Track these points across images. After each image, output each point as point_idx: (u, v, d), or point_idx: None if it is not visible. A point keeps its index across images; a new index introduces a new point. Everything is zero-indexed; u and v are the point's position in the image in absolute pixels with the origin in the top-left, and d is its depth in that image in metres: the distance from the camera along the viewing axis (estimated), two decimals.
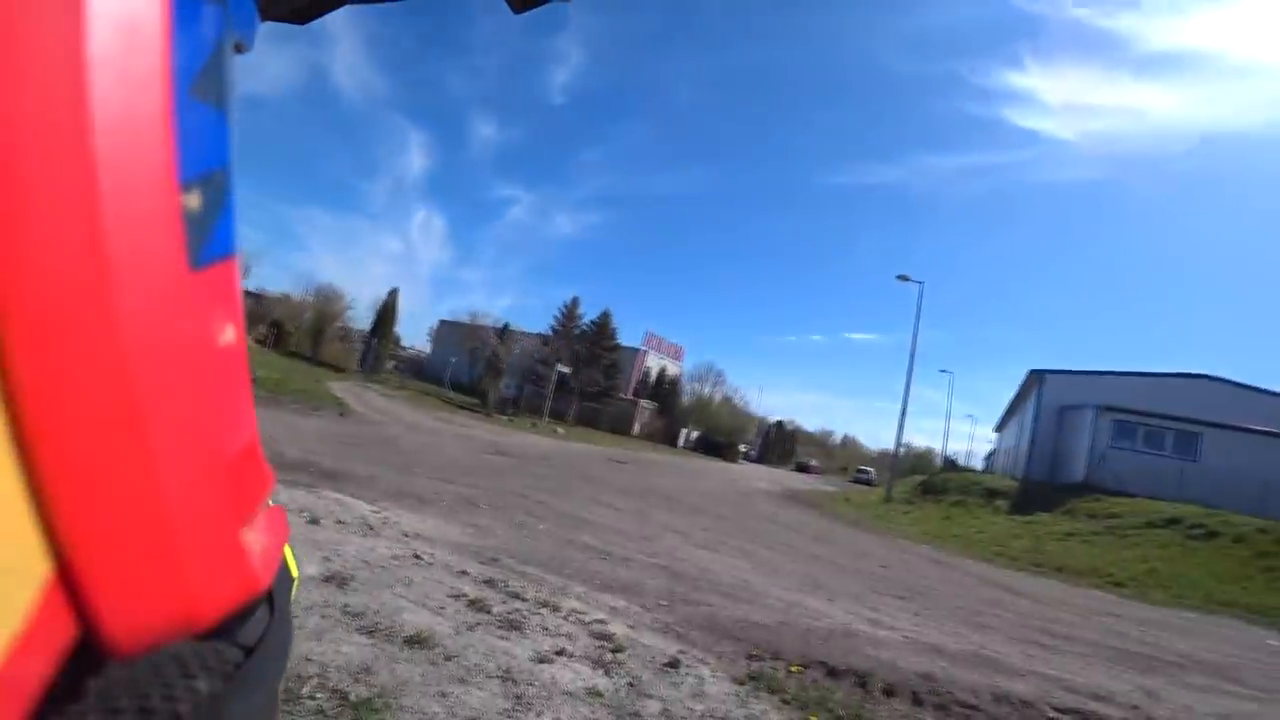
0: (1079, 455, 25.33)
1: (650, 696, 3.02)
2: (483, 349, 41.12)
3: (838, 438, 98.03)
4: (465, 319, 46.56)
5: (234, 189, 0.40)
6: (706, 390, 56.42)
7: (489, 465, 11.22)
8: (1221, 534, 15.62)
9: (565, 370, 36.72)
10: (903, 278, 28.98)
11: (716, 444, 48.18)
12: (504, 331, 44.31)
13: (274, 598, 0.49)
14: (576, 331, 44.95)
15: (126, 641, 0.33)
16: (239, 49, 0.42)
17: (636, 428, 43.57)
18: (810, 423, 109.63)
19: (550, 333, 44.73)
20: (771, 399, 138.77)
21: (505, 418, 30.80)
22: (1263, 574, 13.45)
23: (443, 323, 53.79)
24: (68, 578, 0.31)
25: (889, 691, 3.80)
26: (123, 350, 0.31)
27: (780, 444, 69.95)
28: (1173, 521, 16.84)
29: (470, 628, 3.32)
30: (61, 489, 0.31)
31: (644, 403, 46.63)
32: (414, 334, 72.08)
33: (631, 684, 3.11)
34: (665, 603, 4.71)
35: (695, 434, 49.43)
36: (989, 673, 4.59)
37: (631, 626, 4.00)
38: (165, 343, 0.34)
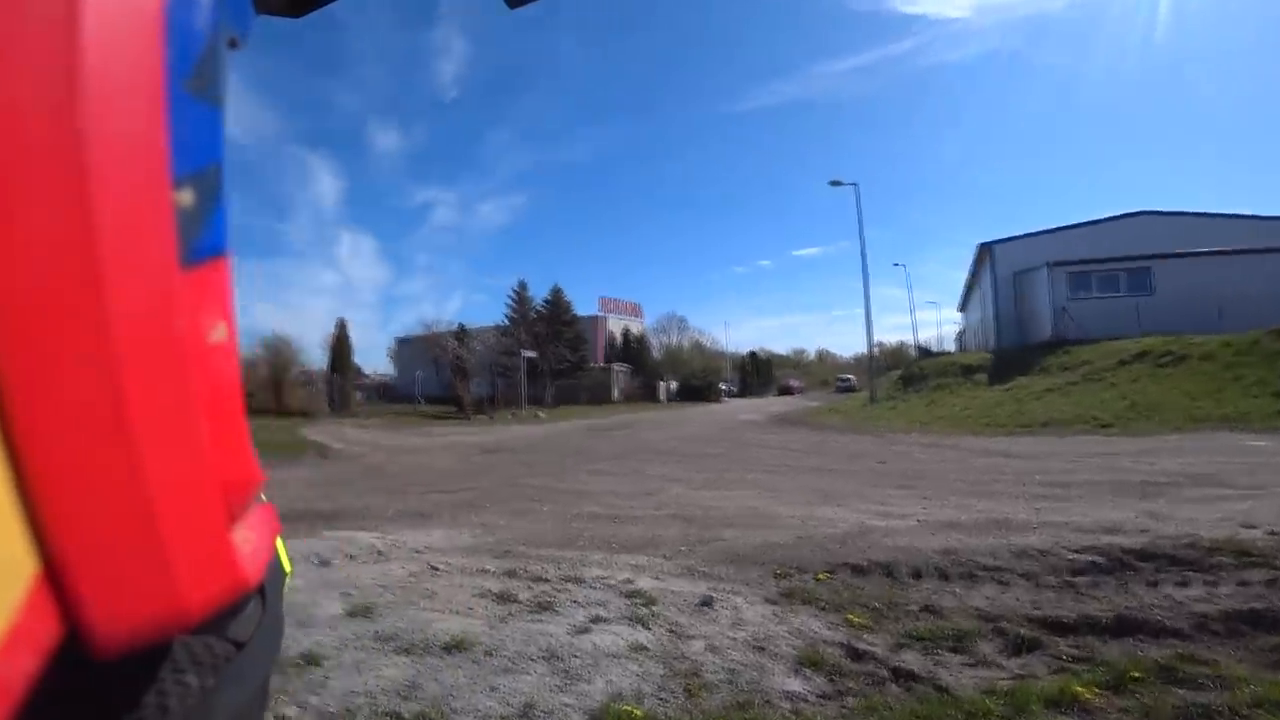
0: (1042, 314, 25.95)
1: (692, 637, 3.08)
2: (445, 356, 40.67)
3: (811, 354, 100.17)
4: (420, 331, 45.97)
5: (226, 186, 0.39)
6: (673, 339, 56.94)
7: (479, 465, 11.17)
8: (1189, 356, 16.13)
9: (531, 354, 36.39)
10: (835, 183, 29.18)
11: (696, 388, 48.54)
12: (461, 333, 43.87)
13: (265, 593, 0.49)
14: (532, 314, 44.62)
15: (114, 639, 0.33)
16: (233, 44, 0.42)
17: (616, 393, 43.65)
18: (781, 346, 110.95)
19: (507, 321, 44.37)
20: (738, 333, 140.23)
21: (484, 416, 30.60)
22: (1234, 384, 14.03)
23: (399, 340, 53.27)
24: (55, 576, 0.31)
25: (916, 574, 3.93)
26: (112, 348, 0.31)
27: (758, 374, 70.75)
28: (1141, 355, 17.41)
29: (503, 620, 3.33)
30: (49, 486, 0.31)
31: (617, 366, 46.69)
32: (374, 359, 71.26)
33: (672, 631, 3.16)
34: (684, 548, 4.79)
35: (674, 384, 49.73)
36: (1003, 534, 4.77)
37: (657, 578, 4.06)
38: (155, 341, 0.33)
